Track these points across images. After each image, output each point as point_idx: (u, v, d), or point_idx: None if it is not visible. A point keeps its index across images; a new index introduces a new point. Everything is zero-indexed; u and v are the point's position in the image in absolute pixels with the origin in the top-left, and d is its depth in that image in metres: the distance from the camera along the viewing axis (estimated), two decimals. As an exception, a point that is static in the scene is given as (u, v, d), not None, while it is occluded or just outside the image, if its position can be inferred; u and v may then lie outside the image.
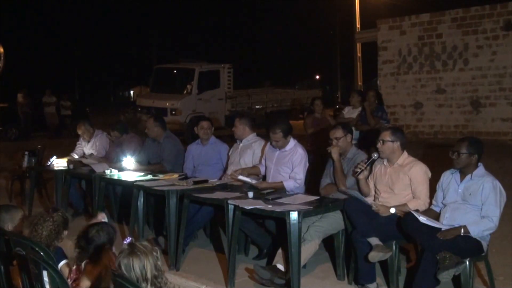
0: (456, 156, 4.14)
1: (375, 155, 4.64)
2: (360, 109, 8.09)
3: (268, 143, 5.62)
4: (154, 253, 2.72)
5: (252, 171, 5.65)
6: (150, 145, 6.82)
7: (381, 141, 4.61)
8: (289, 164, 5.37)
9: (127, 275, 2.60)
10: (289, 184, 5.26)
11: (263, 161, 5.70)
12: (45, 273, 3.05)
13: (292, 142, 5.45)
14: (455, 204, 4.18)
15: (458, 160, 4.14)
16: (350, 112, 8.30)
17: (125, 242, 2.77)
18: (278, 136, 5.34)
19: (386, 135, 4.62)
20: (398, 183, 4.55)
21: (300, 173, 5.31)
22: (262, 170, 5.67)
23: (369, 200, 4.61)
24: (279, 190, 5.17)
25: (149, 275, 2.65)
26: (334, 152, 4.96)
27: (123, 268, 2.64)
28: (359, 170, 4.63)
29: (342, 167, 4.97)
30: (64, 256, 3.62)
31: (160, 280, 2.69)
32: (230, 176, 5.72)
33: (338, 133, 5.01)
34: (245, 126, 6.00)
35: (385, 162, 4.69)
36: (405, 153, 4.66)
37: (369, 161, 4.66)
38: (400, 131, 4.79)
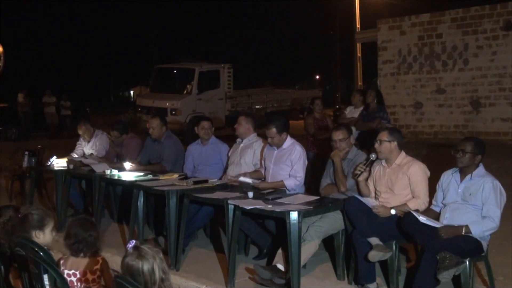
0: (461, 155, 4.13)
1: (373, 155, 4.64)
2: (361, 108, 8.10)
3: (267, 144, 5.62)
4: (160, 255, 2.67)
5: (254, 175, 5.63)
6: (150, 145, 6.82)
7: (378, 141, 4.62)
8: (288, 162, 5.37)
9: (132, 279, 2.56)
10: (289, 183, 5.26)
11: (262, 163, 5.70)
12: (45, 276, 3.05)
13: (289, 140, 5.45)
14: (455, 204, 4.18)
15: (462, 158, 4.14)
16: (352, 112, 8.32)
17: (129, 245, 2.70)
18: (272, 132, 5.34)
19: (384, 136, 4.62)
20: (397, 183, 4.55)
21: (300, 171, 5.31)
22: (264, 173, 5.66)
23: (372, 200, 4.61)
24: (279, 190, 5.18)
25: (157, 278, 2.60)
26: (336, 156, 4.96)
27: (130, 272, 2.60)
28: (358, 173, 4.63)
29: (343, 169, 4.96)
30: None
31: (167, 283, 2.66)
32: (231, 178, 5.71)
33: (342, 134, 5.00)
34: (250, 125, 6.01)
35: (384, 163, 4.69)
36: (403, 153, 4.66)
37: (368, 162, 4.66)
38: (397, 131, 4.79)
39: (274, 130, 5.34)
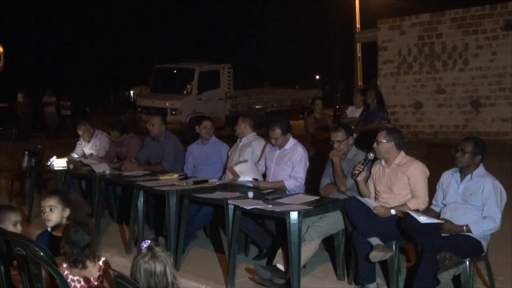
0: (460, 155, 4.13)
1: (371, 155, 4.64)
2: (363, 108, 8.12)
3: (269, 144, 5.62)
4: (171, 259, 2.68)
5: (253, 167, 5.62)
6: (150, 144, 6.82)
7: (376, 142, 4.62)
8: (289, 163, 5.36)
9: (143, 280, 2.57)
10: (290, 183, 5.26)
11: (262, 161, 5.70)
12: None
13: (292, 141, 5.45)
14: (455, 204, 4.18)
15: (461, 158, 4.13)
16: (353, 112, 8.34)
17: (143, 245, 2.68)
18: (277, 133, 5.34)
19: (381, 136, 4.63)
20: (397, 183, 4.55)
21: (300, 172, 5.30)
22: (261, 169, 5.66)
23: (372, 201, 4.61)
24: (279, 190, 5.18)
25: (169, 281, 2.60)
26: (335, 156, 4.95)
27: (142, 273, 2.59)
28: (357, 172, 4.63)
29: (342, 169, 4.96)
30: None
31: (176, 287, 2.66)
32: (230, 180, 5.70)
33: (340, 135, 4.99)
34: (246, 125, 6.05)
35: (383, 163, 4.69)
36: (402, 153, 4.66)
37: (366, 161, 4.66)
38: (396, 132, 4.78)
39: (279, 131, 5.33)
